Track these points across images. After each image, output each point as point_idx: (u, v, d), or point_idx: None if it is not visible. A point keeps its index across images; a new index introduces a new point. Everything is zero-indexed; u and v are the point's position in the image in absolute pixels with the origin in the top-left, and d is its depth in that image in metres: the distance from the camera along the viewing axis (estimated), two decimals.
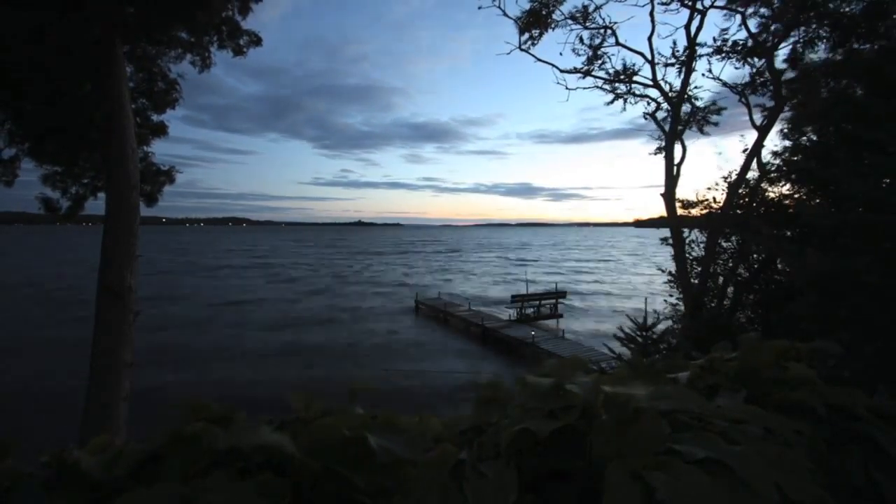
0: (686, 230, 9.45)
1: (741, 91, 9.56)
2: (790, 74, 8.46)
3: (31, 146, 6.64)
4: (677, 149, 9.84)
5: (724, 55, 9.58)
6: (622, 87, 10.87)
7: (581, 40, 10.49)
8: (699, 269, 8.85)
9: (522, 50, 10.65)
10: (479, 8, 10.38)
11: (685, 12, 9.39)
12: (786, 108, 8.41)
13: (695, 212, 9.50)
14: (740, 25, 8.93)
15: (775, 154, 8.30)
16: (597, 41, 10.42)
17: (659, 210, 9.73)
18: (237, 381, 13.01)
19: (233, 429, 0.99)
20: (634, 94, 10.88)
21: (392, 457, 0.95)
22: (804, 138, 7.22)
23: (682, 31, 9.56)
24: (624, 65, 10.67)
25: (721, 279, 8.46)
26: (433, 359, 15.57)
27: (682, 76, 9.66)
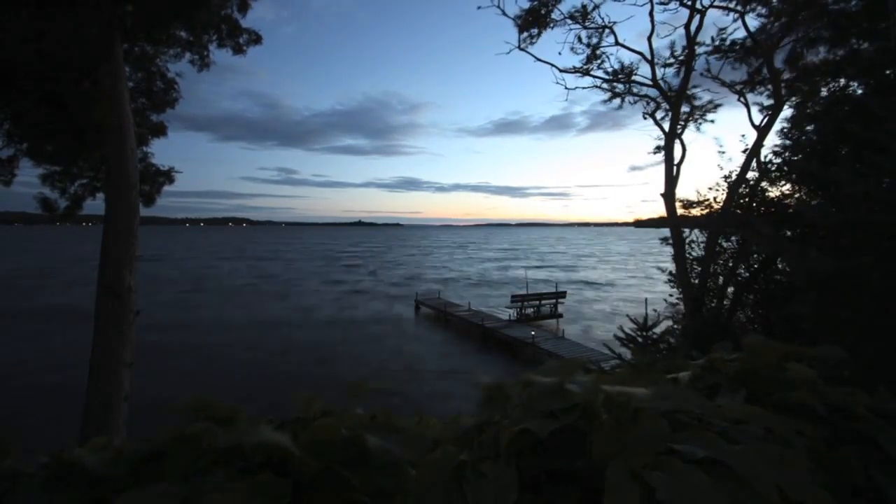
0: (686, 230, 9.45)
1: (740, 90, 9.57)
2: (790, 74, 8.48)
3: (29, 146, 6.64)
4: (677, 148, 9.85)
5: (722, 54, 9.58)
6: (621, 87, 10.90)
7: (580, 39, 10.51)
8: (699, 269, 8.85)
9: (521, 49, 10.65)
10: (479, 8, 10.38)
11: (684, 12, 9.40)
12: (785, 108, 8.42)
13: (695, 212, 9.51)
14: (736, 20, 8.94)
15: (775, 153, 8.32)
16: (595, 41, 10.44)
17: (659, 210, 9.75)
18: None
19: (233, 428, 0.99)
20: (633, 94, 10.90)
21: (390, 457, 0.95)
22: (804, 137, 7.23)
23: (682, 31, 9.57)
24: (622, 64, 10.70)
25: (721, 279, 8.47)
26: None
27: (682, 76, 9.67)
